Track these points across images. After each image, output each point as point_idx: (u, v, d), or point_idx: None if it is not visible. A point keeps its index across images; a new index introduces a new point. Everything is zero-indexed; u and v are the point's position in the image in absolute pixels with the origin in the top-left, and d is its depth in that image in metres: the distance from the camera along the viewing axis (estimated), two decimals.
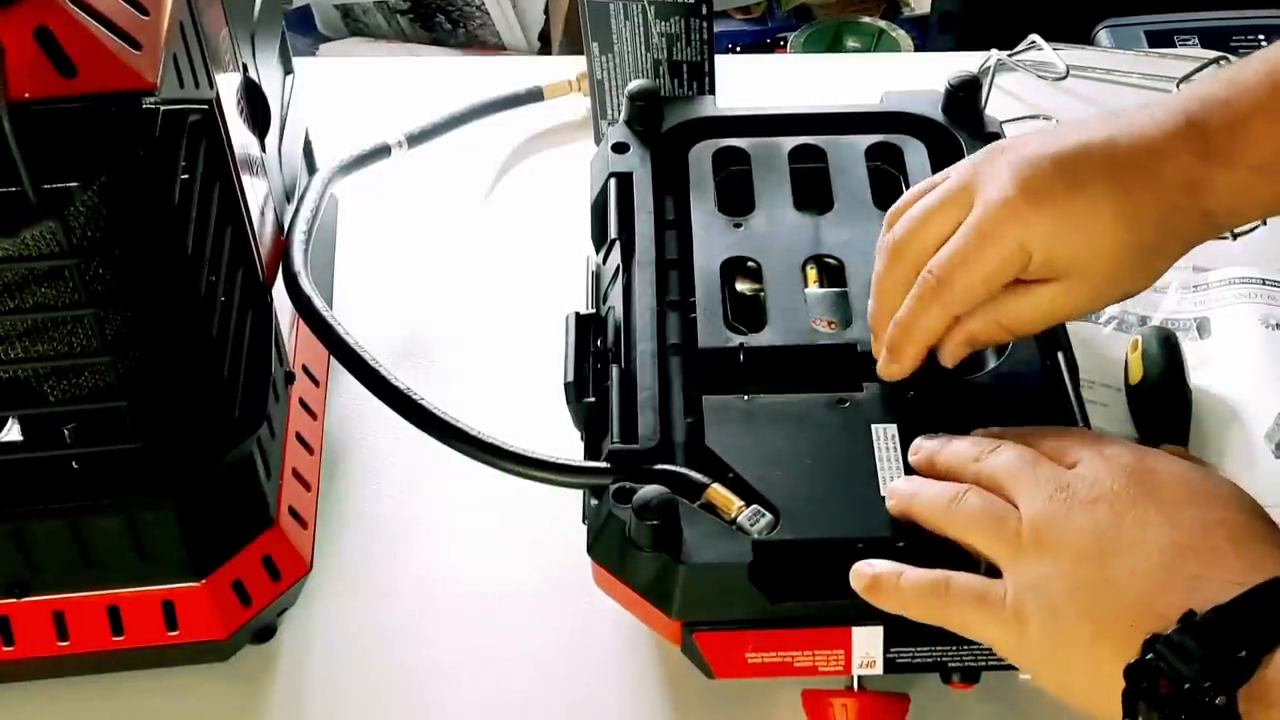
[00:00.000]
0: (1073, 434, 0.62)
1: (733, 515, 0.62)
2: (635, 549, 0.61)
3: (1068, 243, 0.60)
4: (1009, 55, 1.05)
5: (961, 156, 0.77)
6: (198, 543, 0.64)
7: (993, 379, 0.67)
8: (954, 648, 0.61)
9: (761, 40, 1.82)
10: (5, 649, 0.65)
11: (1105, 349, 0.81)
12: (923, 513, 0.60)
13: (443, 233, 0.94)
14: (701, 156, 0.81)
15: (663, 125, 0.83)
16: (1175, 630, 0.49)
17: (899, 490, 0.61)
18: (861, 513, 0.62)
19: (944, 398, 0.66)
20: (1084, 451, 0.58)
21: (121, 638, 0.65)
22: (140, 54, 0.54)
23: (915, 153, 0.80)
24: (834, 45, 1.76)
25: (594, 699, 0.68)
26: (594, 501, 0.65)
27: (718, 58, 0.94)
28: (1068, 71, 1.03)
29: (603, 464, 0.65)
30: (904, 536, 0.60)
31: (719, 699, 0.66)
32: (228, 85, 0.66)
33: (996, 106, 0.93)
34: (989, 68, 1.02)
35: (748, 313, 0.73)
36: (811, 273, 0.74)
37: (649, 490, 0.61)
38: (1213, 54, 1.06)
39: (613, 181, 0.80)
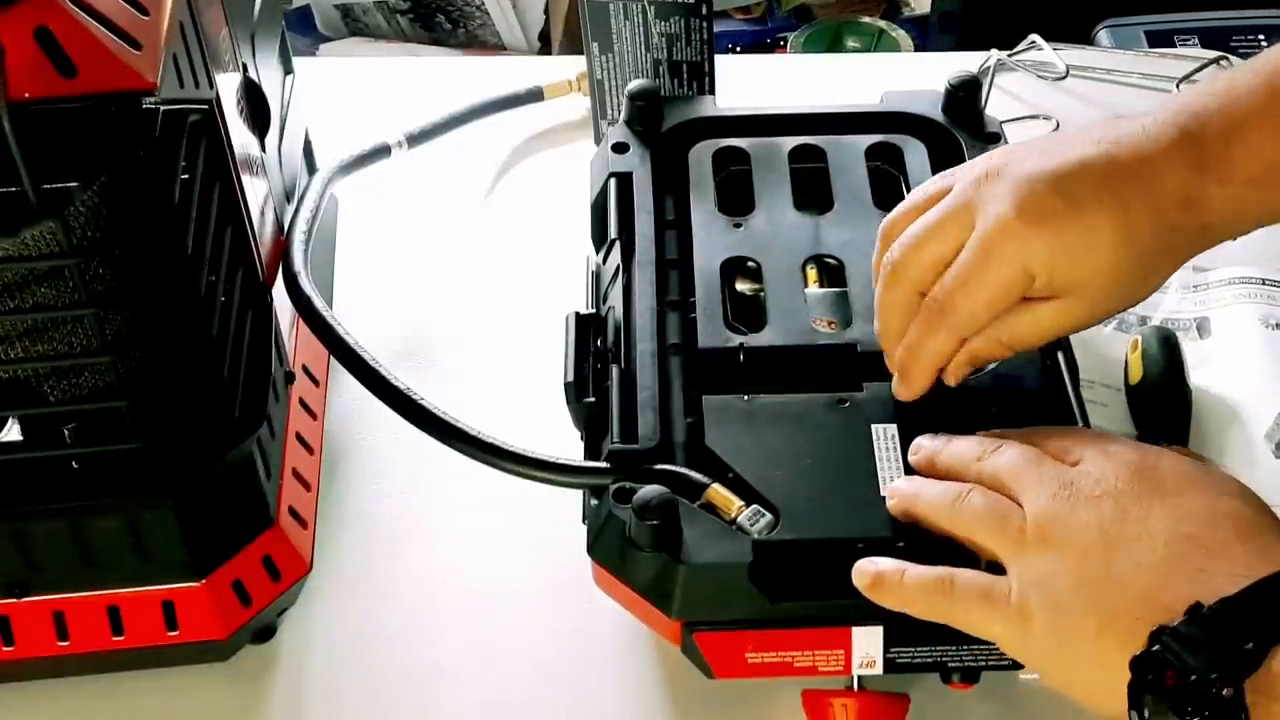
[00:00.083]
0: (1075, 433, 0.62)
1: (733, 515, 0.62)
2: (635, 549, 0.61)
3: (1068, 262, 0.60)
4: (1009, 55, 1.05)
5: (961, 157, 0.77)
6: (198, 543, 0.64)
7: (993, 379, 0.67)
8: (954, 648, 0.61)
9: (761, 40, 1.82)
10: (5, 649, 0.65)
11: (1105, 349, 0.81)
12: (925, 512, 0.60)
13: (443, 233, 0.94)
14: (701, 156, 0.81)
15: (663, 125, 0.83)
16: (1182, 622, 0.49)
17: (900, 490, 0.61)
18: (861, 513, 0.62)
19: (944, 398, 0.66)
20: (1087, 450, 0.58)
21: (121, 638, 0.65)
22: (140, 54, 0.54)
23: (915, 153, 0.80)
24: (834, 45, 1.76)
25: (594, 699, 0.68)
26: (594, 501, 0.65)
27: (718, 58, 0.94)
28: (1068, 71, 1.03)
29: (603, 464, 0.65)
30: (904, 536, 0.60)
31: (719, 699, 0.66)
32: (228, 85, 0.66)
33: (996, 106, 0.93)
34: (989, 68, 1.03)
35: (748, 313, 0.73)
36: (811, 273, 0.74)
37: (649, 490, 0.61)
38: (1213, 54, 1.06)
39: (613, 181, 0.80)
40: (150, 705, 0.68)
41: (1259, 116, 0.60)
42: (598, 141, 0.96)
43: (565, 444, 0.68)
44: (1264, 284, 0.84)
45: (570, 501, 0.68)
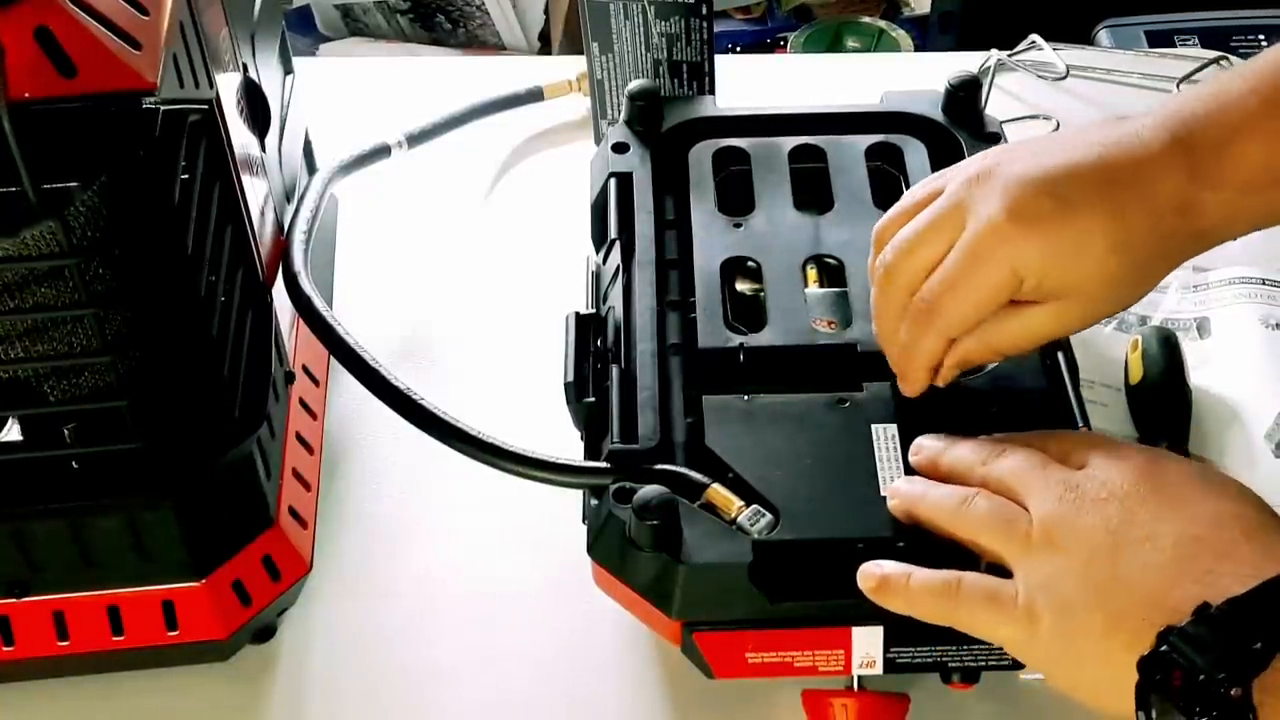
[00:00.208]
0: (1079, 437, 0.62)
1: (733, 515, 0.62)
2: (635, 549, 0.61)
3: (1059, 267, 0.60)
4: (1009, 55, 1.05)
5: (961, 156, 0.77)
6: (198, 543, 0.64)
7: (993, 379, 0.67)
8: (954, 648, 0.61)
9: (761, 40, 1.82)
10: (5, 649, 0.65)
11: (1105, 349, 0.81)
12: (929, 514, 0.60)
13: (443, 233, 0.94)
14: (701, 156, 0.81)
15: (663, 125, 0.83)
16: (1190, 622, 0.49)
17: (902, 491, 0.61)
18: (861, 513, 0.62)
19: (944, 398, 0.66)
20: (1092, 453, 0.58)
21: (121, 638, 0.65)
22: (140, 54, 0.54)
23: (915, 153, 0.80)
24: (834, 45, 1.76)
25: (594, 699, 0.68)
26: (594, 501, 0.65)
27: (718, 58, 0.94)
28: (1068, 71, 1.03)
29: (603, 464, 0.65)
30: (904, 536, 0.60)
31: (719, 699, 0.66)
32: (228, 85, 0.66)
33: (996, 106, 0.93)
34: (989, 68, 1.03)
35: (748, 313, 0.73)
36: (811, 273, 0.74)
37: (649, 490, 0.61)
38: (1213, 54, 1.06)
39: (613, 181, 0.80)
40: (150, 705, 0.68)
41: (1250, 123, 0.59)
42: (598, 141, 0.96)
43: (565, 444, 0.68)
44: (1264, 284, 0.84)
45: (570, 501, 0.68)
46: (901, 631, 0.60)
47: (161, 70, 0.55)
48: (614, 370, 0.69)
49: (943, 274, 0.62)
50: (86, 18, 0.53)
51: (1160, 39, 1.26)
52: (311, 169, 0.87)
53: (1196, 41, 1.25)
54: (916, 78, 0.86)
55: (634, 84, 0.83)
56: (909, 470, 0.63)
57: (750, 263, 0.75)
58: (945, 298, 0.62)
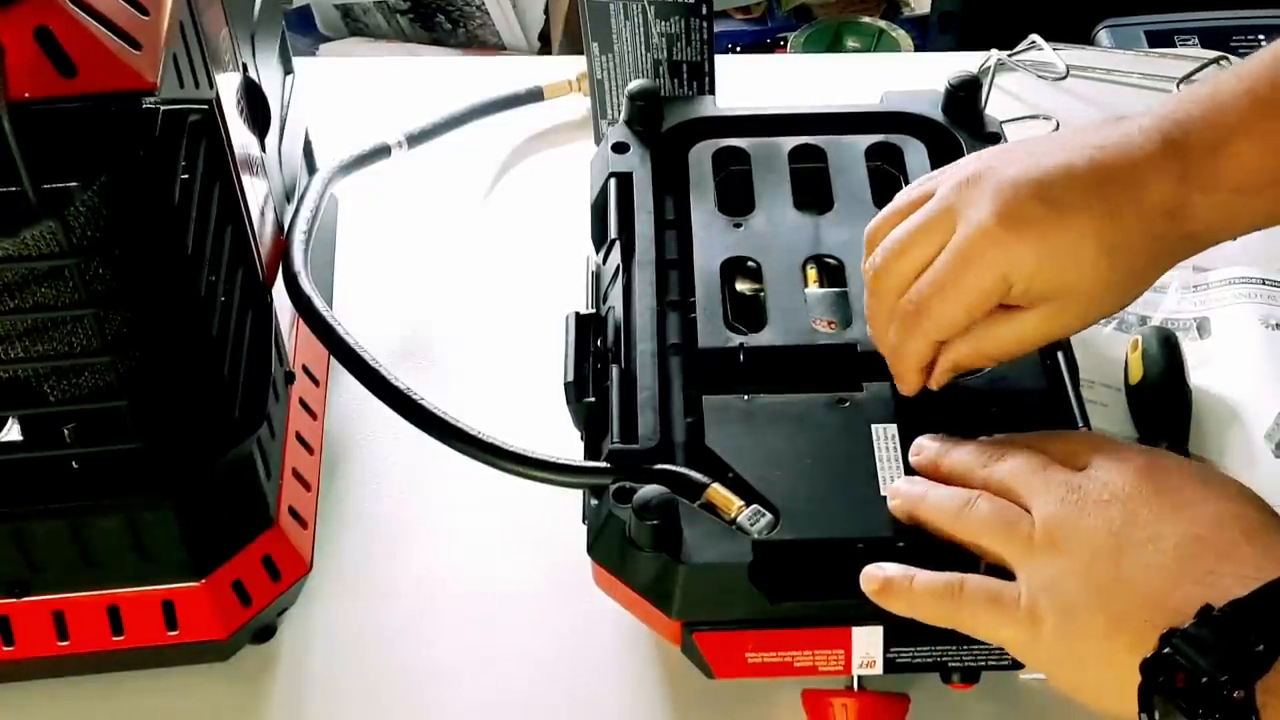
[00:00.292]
0: (1080, 438, 0.62)
1: (733, 515, 0.62)
2: (635, 549, 0.61)
3: (1050, 272, 0.59)
4: (1009, 55, 1.05)
5: (961, 156, 0.77)
6: (198, 543, 0.64)
7: (992, 379, 0.67)
8: (954, 648, 0.61)
9: (761, 40, 1.82)
10: (5, 649, 0.65)
11: (1105, 349, 0.81)
12: (931, 516, 0.60)
13: (443, 233, 0.94)
14: (701, 156, 0.81)
15: (663, 125, 0.83)
16: (1192, 624, 0.49)
17: (903, 492, 0.61)
18: (861, 513, 0.62)
19: (943, 398, 0.66)
20: (1093, 455, 0.58)
21: (121, 638, 0.65)
22: (140, 54, 0.54)
23: (915, 153, 0.80)
24: (834, 45, 1.76)
25: (594, 699, 0.68)
26: (594, 501, 0.65)
27: (718, 58, 0.94)
28: (1068, 71, 1.03)
29: (603, 464, 0.65)
30: (904, 536, 0.60)
31: (719, 699, 0.66)
32: (228, 85, 0.66)
33: (996, 106, 0.93)
34: (989, 68, 1.03)
35: (748, 313, 0.73)
36: (811, 273, 0.74)
37: (649, 490, 0.61)
38: (1213, 54, 1.06)
39: (613, 181, 0.80)
40: (150, 705, 0.68)
41: (1245, 125, 0.59)
42: (598, 141, 0.96)
43: (565, 444, 0.68)
44: (1264, 284, 0.84)
45: (570, 501, 0.68)
46: (901, 631, 0.60)
47: (161, 70, 0.55)
48: (614, 370, 0.69)
49: (931, 277, 0.62)
50: (86, 18, 0.53)
51: (1160, 39, 1.26)
52: (311, 169, 0.87)
53: (1196, 41, 1.25)
54: (916, 78, 0.86)
55: (634, 84, 0.83)
56: (909, 470, 0.63)
57: (750, 263, 0.75)
58: (933, 300, 0.62)
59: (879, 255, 0.64)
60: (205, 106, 0.62)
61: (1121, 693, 0.51)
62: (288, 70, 0.84)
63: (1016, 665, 0.59)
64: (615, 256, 0.75)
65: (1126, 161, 0.60)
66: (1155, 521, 0.54)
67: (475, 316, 0.88)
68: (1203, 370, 0.79)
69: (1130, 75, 1.04)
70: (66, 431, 0.61)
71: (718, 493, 0.63)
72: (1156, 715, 0.49)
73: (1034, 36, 1.06)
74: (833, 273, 0.74)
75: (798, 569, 0.60)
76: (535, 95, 1.01)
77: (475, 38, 1.69)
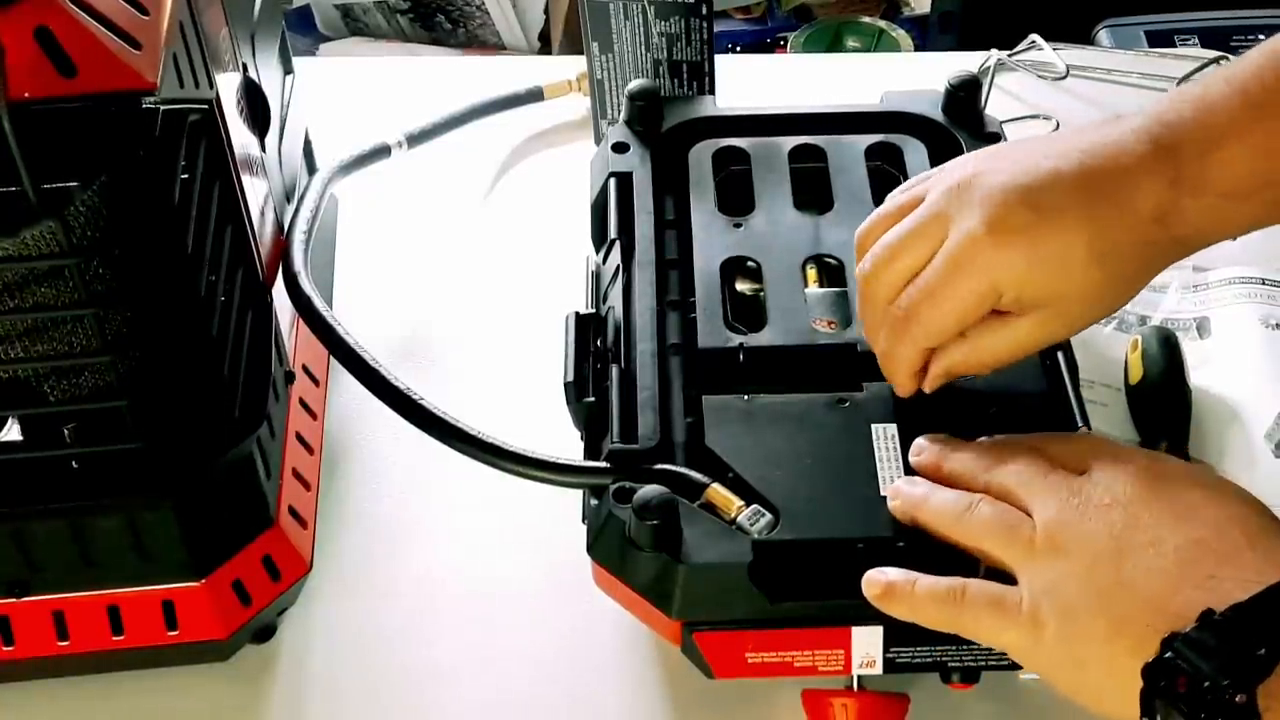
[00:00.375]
0: (1081, 440, 0.62)
1: (733, 515, 0.62)
2: (635, 549, 0.61)
3: (1040, 279, 0.59)
4: (1009, 55, 1.05)
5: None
6: (198, 543, 0.64)
7: (992, 379, 0.67)
8: (954, 648, 0.61)
9: (761, 40, 1.82)
10: (5, 649, 0.65)
11: (1105, 349, 0.81)
12: (932, 519, 0.60)
13: (443, 233, 0.94)
14: (701, 156, 0.81)
15: (663, 125, 0.83)
16: (1194, 628, 0.49)
17: (904, 493, 0.61)
18: (861, 513, 0.62)
19: (943, 398, 0.66)
20: (1094, 459, 0.58)
21: (121, 638, 0.65)
22: (140, 54, 0.54)
23: (915, 153, 0.80)
24: (834, 45, 1.76)
25: (594, 699, 0.68)
26: (594, 501, 0.65)
27: (718, 58, 0.94)
28: (1068, 71, 1.03)
29: (603, 464, 0.65)
30: (904, 536, 0.60)
31: (719, 699, 0.66)
32: (228, 85, 0.66)
33: (996, 106, 0.93)
34: (989, 68, 1.03)
35: (748, 313, 0.73)
36: (811, 272, 0.74)
37: (649, 490, 0.61)
38: (1213, 54, 1.06)
39: (613, 181, 0.80)
40: (150, 705, 0.68)
41: (1236, 127, 0.59)
42: (598, 141, 0.96)
43: (565, 444, 0.68)
44: (1264, 284, 0.84)
45: (570, 501, 0.68)
46: (901, 631, 0.60)
47: (161, 70, 0.55)
48: (614, 370, 0.69)
49: (921, 284, 0.62)
50: (86, 18, 0.53)
51: (1160, 39, 1.26)
52: (311, 169, 0.87)
53: (1196, 41, 1.25)
54: (916, 78, 0.86)
55: (634, 84, 0.83)
56: (909, 470, 0.63)
57: (750, 263, 0.75)
58: (923, 307, 0.62)
59: (868, 261, 0.64)
60: (205, 106, 0.62)
61: (1123, 696, 0.51)
62: (288, 70, 0.84)
63: (1016, 665, 0.59)
64: (615, 256, 0.75)
65: (1116, 166, 0.59)
66: (1156, 525, 0.54)
67: (475, 316, 0.88)
68: (1203, 370, 0.79)
69: (1130, 75, 1.04)
70: (66, 431, 0.61)
71: (718, 493, 0.63)
72: (1158, 719, 0.49)
73: (1034, 36, 1.06)
74: (833, 273, 0.74)
75: (798, 569, 0.60)
76: (535, 95, 1.01)
77: (475, 38, 1.69)
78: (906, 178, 0.79)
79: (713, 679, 0.62)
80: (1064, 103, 1.02)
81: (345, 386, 0.77)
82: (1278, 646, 0.48)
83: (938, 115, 0.82)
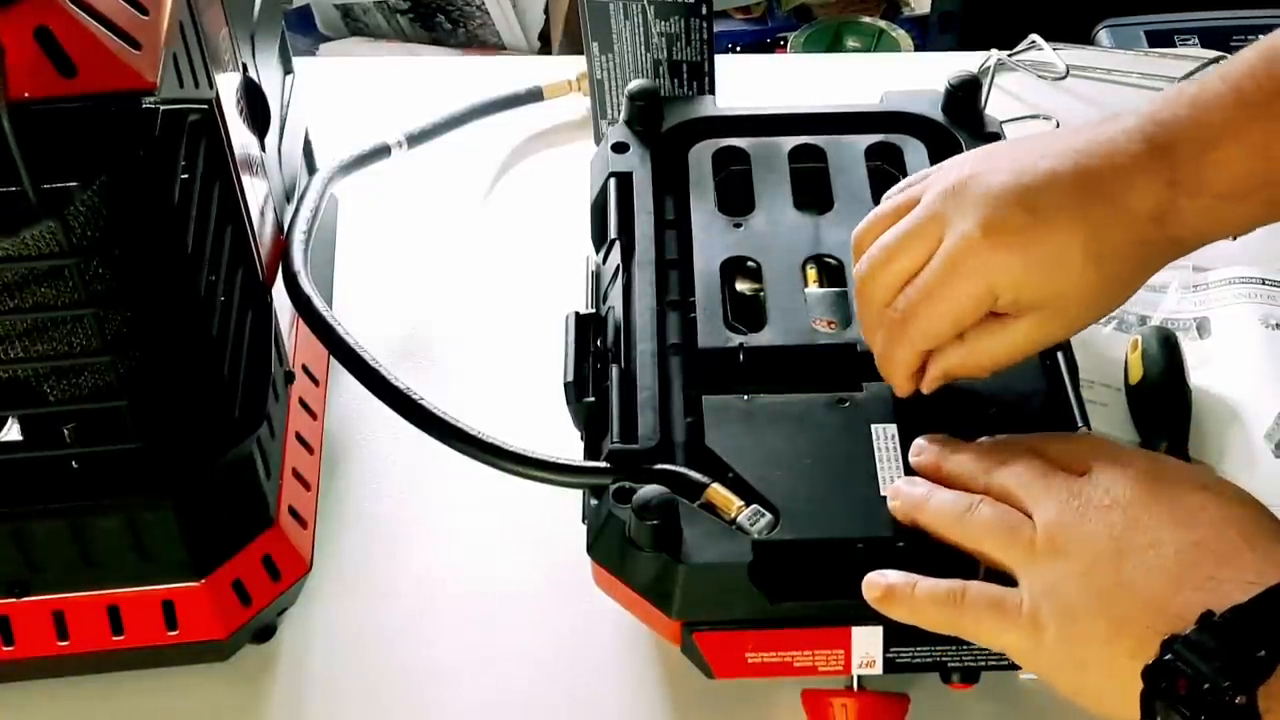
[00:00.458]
0: (1081, 441, 0.62)
1: (733, 515, 0.62)
2: (635, 549, 0.61)
3: (1037, 281, 0.59)
4: (1009, 55, 1.05)
5: None
6: (198, 542, 0.64)
7: (992, 379, 0.67)
8: (954, 648, 0.61)
9: (761, 40, 1.82)
10: (5, 649, 0.65)
11: (1105, 349, 0.81)
12: (932, 520, 0.60)
13: (443, 233, 0.94)
14: (701, 156, 0.81)
15: (663, 125, 0.83)
16: (1194, 630, 0.49)
17: (904, 493, 0.61)
18: (861, 513, 0.62)
19: (944, 398, 0.66)
20: (1094, 460, 0.58)
21: (121, 637, 0.65)
22: (140, 54, 0.55)
23: (915, 153, 0.80)
24: (834, 45, 1.76)
25: (594, 699, 0.68)
26: (594, 501, 0.65)
27: (718, 58, 0.94)
28: (1068, 71, 1.03)
29: (603, 464, 0.65)
30: (904, 536, 0.60)
31: (719, 699, 0.66)
32: (228, 85, 0.66)
33: (996, 106, 0.93)
34: (989, 68, 1.03)
35: (748, 313, 0.73)
36: (811, 272, 0.74)
37: (649, 490, 0.61)
38: (1213, 54, 1.06)
39: (613, 181, 0.80)
40: (150, 705, 0.68)
41: (1231, 128, 0.58)
42: (598, 141, 0.96)
43: (565, 444, 0.68)
44: (1264, 284, 0.84)
45: (570, 501, 0.68)
46: (901, 632, 0.60)
47: (161, 70, 0.55)
48: (614, 370, 0.69)
49: (918, 285, 0.61)
50: (86, 18, 0.53)
51: (1160, 39, 1.26)
52: (311, 169, 0.87)
53: (1196, 41, 1.25)
54: (916, 78, 0.86)
55: (634, 84, 0.84)
56: (909, 470, 0.63)
57: (750, 263, 0.75)
58: (920, 309, 0.61)
59: (865, 263, 0.64)
60: (205, 106, 0.62)
61: (1123, 698, 0.51)
62: (288, 70, 0.84)
63: (1016, 666, 0.59)
64: (615, 256, 0.75)
65: (1112, 167, 0.59)
66: (1156, 527, 0.54)
67: (475, 316, 0.88)
68: (1203, 370, 0.79)
69: (1130, 75, 1.04)
70: (66, 431, 0.61)
71: (718, 493, 0.63)
72: None
73: (1034, 36, 1.06)
74: (833, 272, 0.74)
75: (797, 569, 0.60)
76: (535, 95, 1.01)
77: (475, 38, 1.69)
78: (906, 177, 0.79)
79: (713, 679, 0.62)
80: (1064, 103, 1.02)
81: (345, 386, 0.77)
82: (1278, 648, 0.48)
83: (938, 115, 0.82)
